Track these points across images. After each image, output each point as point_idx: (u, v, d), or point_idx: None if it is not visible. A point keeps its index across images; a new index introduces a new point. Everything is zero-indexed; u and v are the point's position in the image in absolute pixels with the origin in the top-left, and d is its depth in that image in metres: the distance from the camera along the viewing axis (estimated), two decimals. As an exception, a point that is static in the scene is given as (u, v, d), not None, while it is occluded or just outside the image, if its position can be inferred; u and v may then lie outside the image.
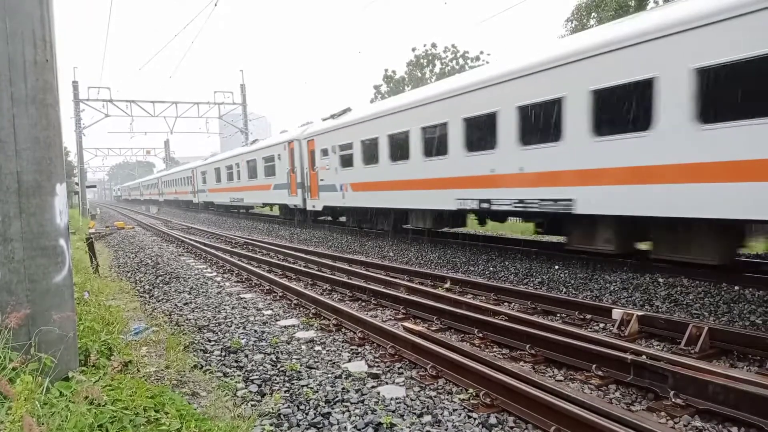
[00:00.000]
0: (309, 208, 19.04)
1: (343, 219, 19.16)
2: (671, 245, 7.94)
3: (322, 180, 17.61)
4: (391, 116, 13.41)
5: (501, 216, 11.76)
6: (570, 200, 8.63)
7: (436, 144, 11.75)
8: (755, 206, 6.34)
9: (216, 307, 7.68)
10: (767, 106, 6.16)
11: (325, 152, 17.28)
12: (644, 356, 4.67)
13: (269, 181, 22.68)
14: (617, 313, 6.15)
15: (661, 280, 7.94)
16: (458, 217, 12.86)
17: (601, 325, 6.43)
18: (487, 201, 10.39)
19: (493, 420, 3.88)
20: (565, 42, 9.96)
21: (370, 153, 14.48)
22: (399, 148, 13.08)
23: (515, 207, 9.71)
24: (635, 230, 8.59)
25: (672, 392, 4.14)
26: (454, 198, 11.26)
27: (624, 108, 7.68)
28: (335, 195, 16.79)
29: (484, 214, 11.91)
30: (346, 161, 15.88)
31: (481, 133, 10.42)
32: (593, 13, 23.09)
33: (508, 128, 9.66)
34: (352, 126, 15.57)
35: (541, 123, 8.98)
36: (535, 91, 9.03)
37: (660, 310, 6.92)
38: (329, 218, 20.19)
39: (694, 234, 7.59)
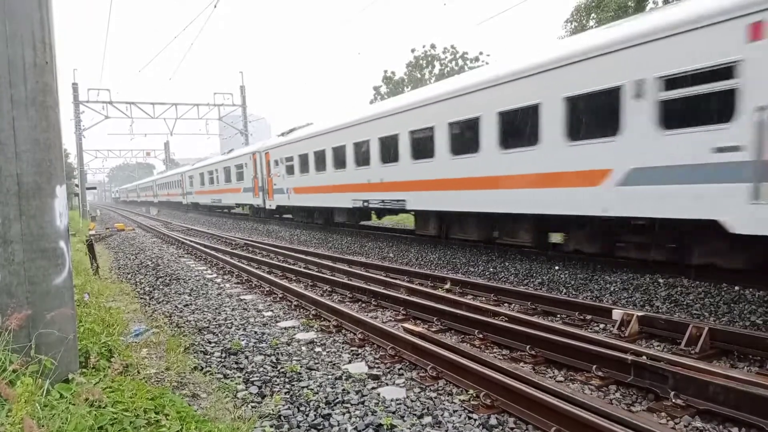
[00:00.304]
0: (267, 206, 23.97)
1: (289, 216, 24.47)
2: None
3: (275, 185, 22.53)
4: (316, 138, 18.29)
5: (379, 212, 16.63)
6: (404, 200, 13.28)
7: (339, 159, 16.41)
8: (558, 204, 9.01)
9: (216, 308, 7.68)
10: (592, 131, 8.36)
11: (276, 163, 22.21)
12: (644, 357, 4.67)
13: (240, 185, 27.63)
14: (617, 314, 6.16)
15: (661, 280, 7.94)
16: (361, 212, 17.06)
17: (602, 325, 6.43)
18: (367, 201, 15.01)
19: (493, 421, 3.87)
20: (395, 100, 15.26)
21: (304, 164, 19.39)
22: (321, 162, 17.77)
23: (380, 205, 14.37)
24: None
25: (672, 393, 4.14)
26: (351, 199, 15.82)
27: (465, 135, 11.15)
28: (284, 197, 21.64)
29: (368, 210, 16.16)
30: (289, 170, 20.87)
31: (363, 153, 14.97)
32: (592, 14, 23.10)
33: (375, 151, 14.32)
34: (293, 144, 20.53)
35: (391, 149, 13.62)
36: (388, 129, 13.66)
37: (660, 310, 6.91)
38: (284, 215, 25.20)
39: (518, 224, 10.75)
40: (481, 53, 38.83)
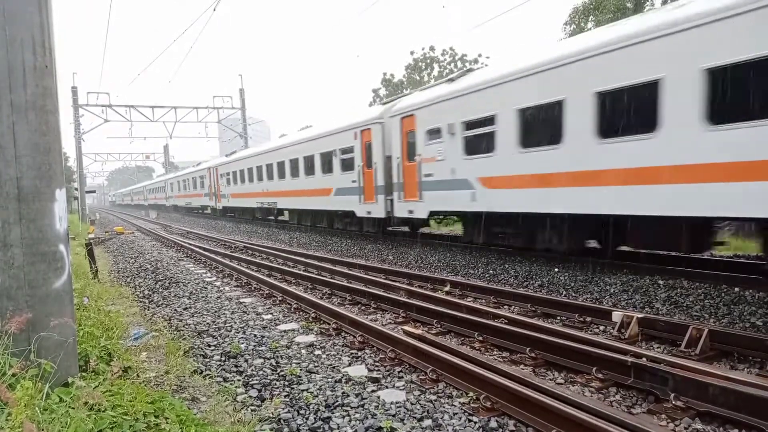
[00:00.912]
0: (217, 207, 33.18)
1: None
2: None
3: (221, 192, 31.31)
4: (240, 161, 27.97)
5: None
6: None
7: (251, 176, 26.07)
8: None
9: (216, 311, 7.67)
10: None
11: (221, 176, 31.72)
12: (644, 358, 4.67)
13: (202, 192, 37.15)
14: (617, 316, 6.15)
15: (661, 282, 7.95)
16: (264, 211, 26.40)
17: (602, 327, 6.43)
18: (261, 202, 24.61)
19: (493, 423, 3.87)
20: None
21: (237, 178, 28.62)
22: (246, 176, 27.35)
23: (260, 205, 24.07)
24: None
25: (672, 394, 4.14)
26: (257, 201, 25.33)
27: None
28: (225, 200, 31.29)
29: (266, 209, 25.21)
30: (228, 181, 30.36)
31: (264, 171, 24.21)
32: (591, 17, 23.13)
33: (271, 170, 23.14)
34: (230, 163, 30.05)
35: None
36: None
37: (660, 312, 6.91)
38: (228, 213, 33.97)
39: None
40: (480, 55, 38.89)
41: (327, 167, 17.64)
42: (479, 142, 10.79)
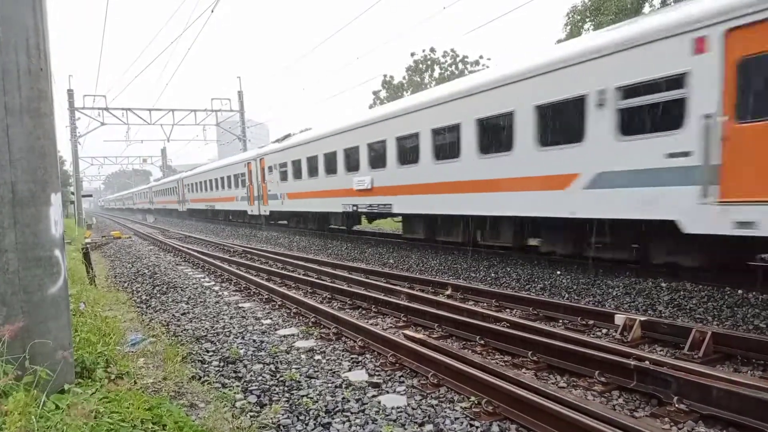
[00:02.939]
0: (182, 209, 36.29)
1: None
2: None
3: (187, 199, 36.87)
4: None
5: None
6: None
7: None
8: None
9: (214, 316, 7.61)
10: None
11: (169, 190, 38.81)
12: (647, 362, 4.63)
13: (175, 198, 44.40)
14: (620, 319, 6.11)
15: (663, 284, 7.91)
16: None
17: (604, 330, 6.39)
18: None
19: (495, 428, 3.84)
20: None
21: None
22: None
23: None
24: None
25: (675, 398, 4.10)
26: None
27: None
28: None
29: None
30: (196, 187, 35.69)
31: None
32: (587, 19, 23.15)
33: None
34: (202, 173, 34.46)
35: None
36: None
37: (663, 315, 6.87)
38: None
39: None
40: (481, 57, 38.80)
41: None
42: (285, 174, 20.89)
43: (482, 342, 5.97)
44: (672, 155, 7.12)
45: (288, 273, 11.58)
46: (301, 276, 11.07)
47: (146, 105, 38.29)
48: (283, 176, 21.35)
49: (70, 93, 34.29)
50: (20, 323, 3.27)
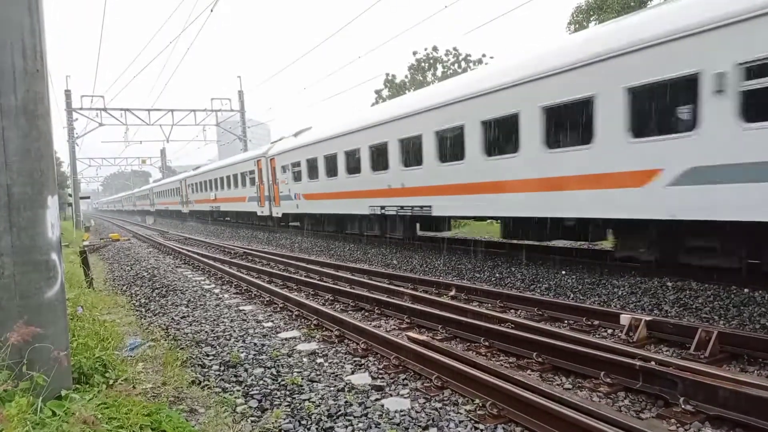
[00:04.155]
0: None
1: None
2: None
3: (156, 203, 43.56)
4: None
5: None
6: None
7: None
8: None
9: (214, 320, 7.55)
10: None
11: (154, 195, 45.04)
12: (653, 362, 4.58)
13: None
14: (625, 319, 6.05)
15: (669, 284, 7.83)
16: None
17: (609, 331, 6.32)
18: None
19: (500, 431, 3.77)
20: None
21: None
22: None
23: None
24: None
25: (682, 398, 4.05)
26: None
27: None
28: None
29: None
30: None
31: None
32: (593, 16, 22.99)
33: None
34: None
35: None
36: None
37: (669, 314, 6.81)
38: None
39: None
40: (484, 55, 38.45)
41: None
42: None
43: (486, 343, 5.90)
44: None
45: (289, 275, 11.53)
46: (303, 278, 11.01)
47: (145, 105, 38.01)
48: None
49: (68, 93, 34.09)
50: (31, 326, 3.21)
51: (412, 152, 12.76)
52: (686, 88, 7.01)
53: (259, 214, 24.34)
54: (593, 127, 8.21)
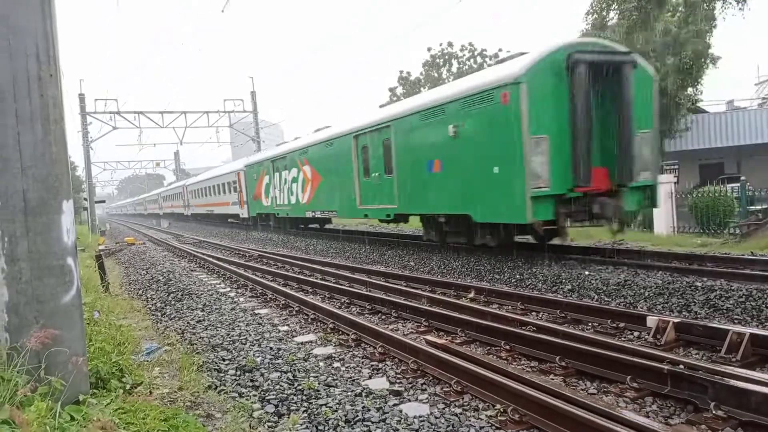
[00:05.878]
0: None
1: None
2: None
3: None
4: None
5: None
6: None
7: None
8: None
9: (230, 324, 7.52)
10: None
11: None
12: (682, 366, 4.42)
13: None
14: (652, 321, 5.87)
15: (698, 284, 7.60)
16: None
17: (636, 333, 6.13)
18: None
19: (523, 438, 3.67)
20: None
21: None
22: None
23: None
24: None
25: (712, 404, 3.90)
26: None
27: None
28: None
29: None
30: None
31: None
32: (613, 5, 22.48)
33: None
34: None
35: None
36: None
37: (698, 316, 6.60)
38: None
39: None
40: (500, 50, 37.55)
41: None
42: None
43: (507, 347, 5.78)
44: None
45: (305, 277, 11.50)
46: (318, 280, 10.98)
47: (158, 108, 38.36)
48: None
49: (82, 97, 34.45)
50: (51, 332, 3.20)
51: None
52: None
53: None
54: None
